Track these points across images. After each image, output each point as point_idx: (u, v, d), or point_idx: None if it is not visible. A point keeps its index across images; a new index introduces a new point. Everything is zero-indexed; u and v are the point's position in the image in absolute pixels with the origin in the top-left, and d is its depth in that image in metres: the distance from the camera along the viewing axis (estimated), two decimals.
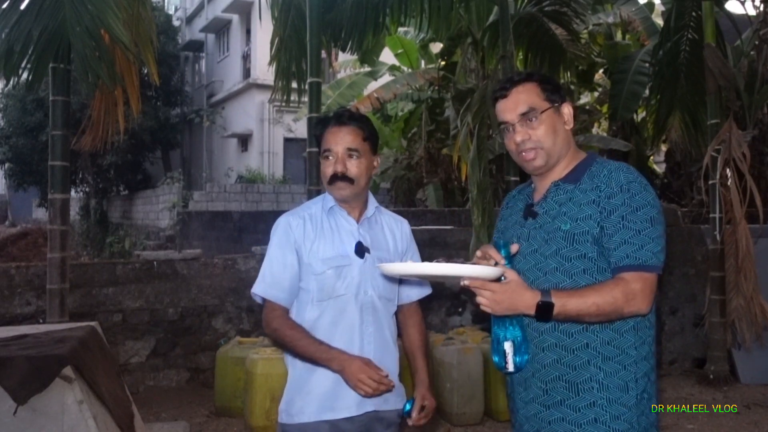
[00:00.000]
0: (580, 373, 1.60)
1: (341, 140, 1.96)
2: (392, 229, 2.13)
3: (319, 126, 2.05)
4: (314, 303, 1.96)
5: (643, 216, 1.59)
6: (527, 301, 1.50)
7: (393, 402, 2.04)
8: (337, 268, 1.96)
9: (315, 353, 1.89)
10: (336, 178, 1.95)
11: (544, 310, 1.50)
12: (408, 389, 2.13)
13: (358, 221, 2.04)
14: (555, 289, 1.55)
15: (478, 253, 1.65)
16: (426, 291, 2.19)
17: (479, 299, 1.50)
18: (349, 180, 1.96)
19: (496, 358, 1.61)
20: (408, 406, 2.04)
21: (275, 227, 2.05)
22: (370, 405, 1.96)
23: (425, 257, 2.23)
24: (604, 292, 1.54)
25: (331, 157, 1.96)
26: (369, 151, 2.01)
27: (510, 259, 1.62)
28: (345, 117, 2.00)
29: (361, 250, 1.99)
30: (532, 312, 1.51)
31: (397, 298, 2.10)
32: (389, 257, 2.05)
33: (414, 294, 2.16)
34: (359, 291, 1.98)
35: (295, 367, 2.01)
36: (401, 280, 2.10)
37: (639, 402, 1.61)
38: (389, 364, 2.01)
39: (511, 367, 1.59)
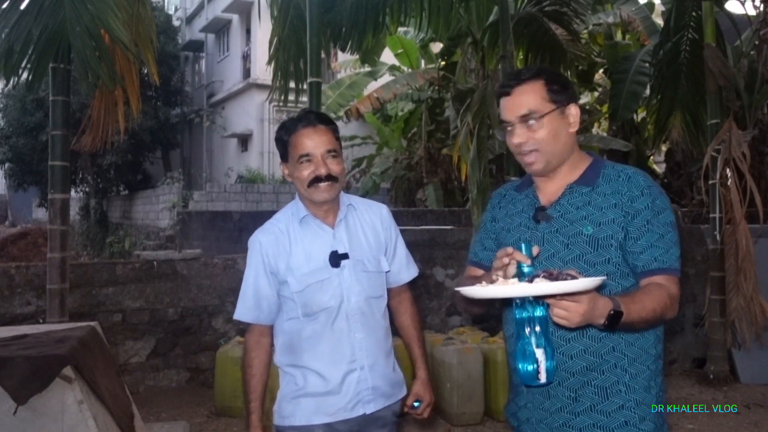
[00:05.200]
0: (608, 377, 1.58)
1: (320, 142, 1.91)
2: (372, 221, 2.06)
3: (285, 130, 1.96)
4: (300, 317, 1.94)
5: (664, 220, 1.58)
6: (601, 310, 1.36)
7: (396, 395, 2.04)
8: (317, 282, 1.92)
9: (247, 406, 1.97)
10: (320, 179, 1.89)
11: (614, 319, 1.39)
12: (407, 381, 2.13)
13: (333, 226, 1.99)
14: (616, 295, 1.45)
15: (501, 253, 1.47)
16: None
17: (559, 312, 1.33)
18: (335, 179, 1.92)
19: (526, 368, 1.42)
20: (417, 404, 2.06)
21: (249, 247, 2.01)
22: (369, 407, 1.95)
23: (425, 257, 2.23)
24: (655, 296, 1.50)
25: (311, 160, 1.90)
26: (341, 150, 1.99)
27: (533, 261, 1.48)
28: (314, 118, 1.95)
29: (336, 259, 1.94)
30: (602, 321, 1.38)
31: (385, 292, 2.06)
32: (370, 255, 2.01)
33: (404, 277, 2.13)
34: (343, 300, 1.94)
35: (285, 371, 2.01)
36: (386, 272, 2.08)
37: (658, 401, 1.62)
38: (382, 364, 2.00)
39: (543, 378, 1.41)
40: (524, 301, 1.42)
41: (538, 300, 1.41)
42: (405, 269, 2.13)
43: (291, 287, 1.92)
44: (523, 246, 1.47)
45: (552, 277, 1.31)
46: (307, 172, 1.90)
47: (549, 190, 1.70)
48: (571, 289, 1.29)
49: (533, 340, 1.42)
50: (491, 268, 1.56)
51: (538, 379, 1.42)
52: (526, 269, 1.44)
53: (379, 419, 1.99)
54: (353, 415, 1.94)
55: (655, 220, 1.57)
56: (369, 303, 1.98)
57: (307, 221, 1.98)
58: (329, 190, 1.92)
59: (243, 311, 2.00)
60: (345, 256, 1.95)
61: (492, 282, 1.44)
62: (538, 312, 1.41)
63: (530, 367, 1.42)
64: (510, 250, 1.47)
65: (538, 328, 1.42)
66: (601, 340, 1.57)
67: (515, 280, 1.39)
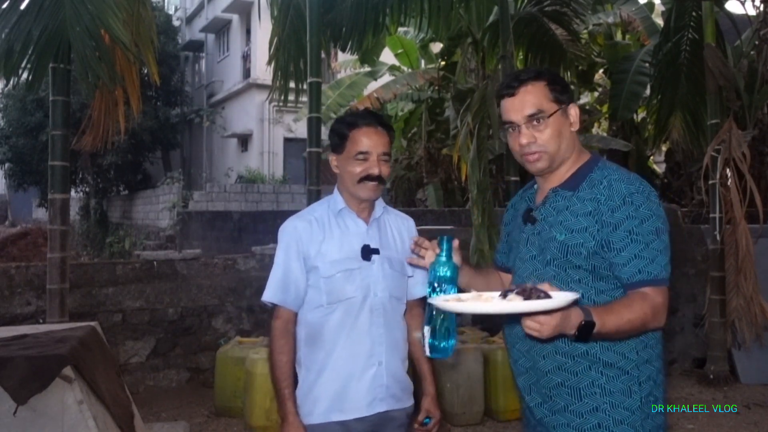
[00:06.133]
0: (582, 379, 1.58)
1: (379, 143, 1.97)
2: (399, 228, 2.13)
3: (347, 124, 2.01)
4: (324, 305, 1.97)
5: (649, 228, 1.55)
6: (573, 321, 1.37)
7: (404, 401, 2.06)
8: (346, 271, 1.96)
9: (280, 394, 1.96)
10: (370, 178, 1.96)
11: (586, 330, 1.39)
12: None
13: (367, 223, 2.04)
14: (591, 306, 1.45)
15: (415, 239, 1.78)
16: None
17: (531, 324, 1.34)
18: (383, 181, 1.99)
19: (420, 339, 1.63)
20: (427, 421, 2.08)
21: (281, 232, 2.04)
22: (382, 405, 1.98)
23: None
24: (635, 307, 1.49)
25: (366, 159, 1.96)
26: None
27: (450, 253, 1.61)
28: (377, 119, 2.02)
29: (367, 252, 1.99)
30: (574, 332, 1.38)
31: (405, 298, 2.10)
32: (398, 257, 2.06)
33: (418, 291, 2.15)
34: (369, 293, 1.98)
35: (303, 369, 2.01)
36: (409, 277, 2.11)
37: (644, 405, 1.59)
38: (398, 365, 2.03)
39: (427, 351, 1.56)
40: (435, 284, 1.60)
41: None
42: (421, 284, 2.14)
43: (320, 272, 1.95)
44: (444, 239, 1.63)
45: (525, 293, 1.33)
46: (360, 168, 1.96)
47: (544, 192, 1.72)
48: (544, 308, 1.31)
49: (429, 318, 1.56)
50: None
51: (425, 352, 1.59)
52: (441, 258, 1.63)
53: (394, 420, 2.02)
54: (369, 412, 1.96)
55: (638, 230, 1.54)
56: (392, 302, 2.02)
57: (343, 214, 2.03)
58: (376, 190, 1.99)
59: (270, 293, 2.01)
60: (376, 251, 2.00)
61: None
62: (435, 295, 1.58)
63: (422, 339, 1.60)
64: (415, 237, 1.79)
65: (438, 311, 1.53)
66: (573, 342, 1.56)
67: (493, 295, 1.42)
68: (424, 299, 2.16)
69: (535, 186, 1.78)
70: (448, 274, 1.59)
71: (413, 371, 2.14)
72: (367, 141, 1.96)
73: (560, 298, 1.32)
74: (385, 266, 2.01)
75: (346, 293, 1.96)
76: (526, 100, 1.63)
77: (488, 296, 1.43)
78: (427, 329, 1.55)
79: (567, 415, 1.60)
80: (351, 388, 1.94)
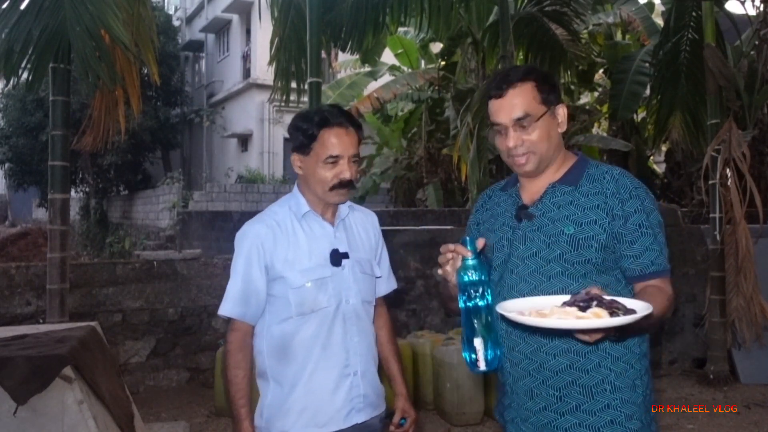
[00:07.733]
0: (593, 376, 1.58)
1: (350, 145, 1.82)
2: (365, 226, 2.01)
3: (315, 124, 1.83)
4: (294, 317, 1.82)
5: (654, 221, 1.59)
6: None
7: (380, 407, 1.99)
8: (317, 280, 1.82)
9: (237, 413, 1.84)
10: (343, 185, 1.83)
11: (624, 330, 1.38)
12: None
13: (333, 224, 1.92)
14: None
15: (445, 249, 1.52)
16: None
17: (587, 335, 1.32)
18: (354, 186, 1.87)
19: (467, 356, 1.46)
20: (403, 421, 2.01)
21: (240, 237, 1.88)
22: (360, 416, 1.89)
23: (425, 257, 2.22)
24: (659, 300, 1.50)
25: (337, 162, 1.81)
26: None
27: (477, 254, 1.49)
28: (347, 119, 1.86)
29: (336, 258, 1.86)
30: (613, 332, 1.37)
31: (375, 300, 2.00)
32: (366, 257, 1.96)
33: (384, 288, 2.06)
34: (341, 301, 1.86)
35: (272, 383, 1.88)
36: (377, 278, 2.01)
37: (645, 399, 1.61)
38: (373, 372, 1.96)
39: (482, 366, 1.44)
40: (469, 291, 1.45)
41: (485, 290, 1.43)
42: (386, 281, 2.07)
43: (289, 282, 1.81)
44: (467, 240, 1.49)
45: (605, 305, 1.29)
46: (331, 173, 1.81)
47: (533, 189, 1.70)
48: (630, 322, 1.28)
49: (475, 329, 1.45)
50: None
51: (478, 367, 1.45)
52: (470, 262, 1.47)
53: (369, 427, 1.93)
54: (346, 425, 1.86)
55: (646, 223, 1.58)
56: (364, 306, 1.92)
57: (309, 218, 1.89)
58: (347, 195, 1.89)
59: (229, 307, 1.85)
60: (345, 255, 1.88)
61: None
62: (482, 302, 1.45)
63: (471, 356, 1.45)
64: (452, 246, 1.51)
65: (481, 318, 1.45)
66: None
67: (572, 310, 1.32)
68: (386, 296, 2.08)
69: (518, 185, 1.75)
70: (483, 276, 1.45)
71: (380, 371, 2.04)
72: (339, 144, 1.80)
73: (642, 310, 1.29)
74: (356, 270, 1.89)
75: (318, 304, 1.82)
76: (514, 104, 1.61)
77: (571, 311, 1.30)
78: (479, 342, 1.44)
79: (579, 415, 1.58)
80: (327, 401, 1.83)
